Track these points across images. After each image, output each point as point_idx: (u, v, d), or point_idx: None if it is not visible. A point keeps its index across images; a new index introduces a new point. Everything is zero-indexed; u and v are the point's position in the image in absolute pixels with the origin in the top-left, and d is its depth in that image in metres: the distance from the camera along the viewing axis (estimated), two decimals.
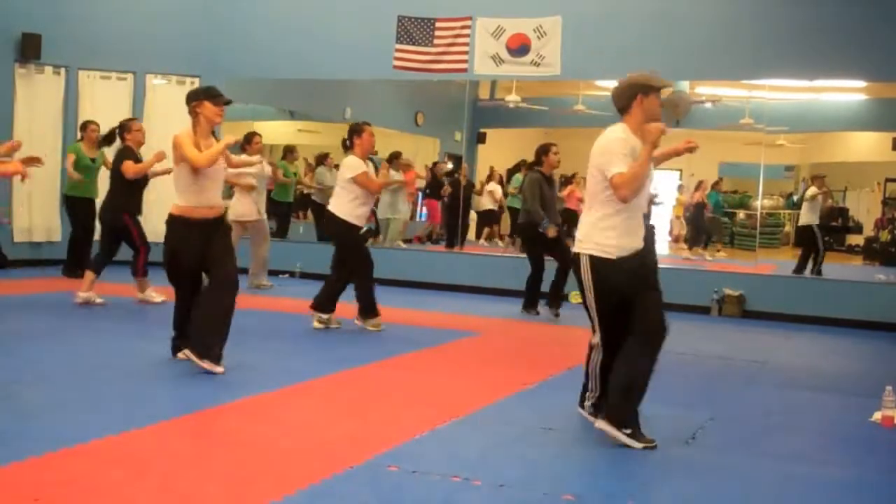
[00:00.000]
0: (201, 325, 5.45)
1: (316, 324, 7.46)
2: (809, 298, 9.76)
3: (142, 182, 8.30)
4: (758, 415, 5.32)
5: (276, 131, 13.90)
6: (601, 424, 4.34)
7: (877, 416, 5.06)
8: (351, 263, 7.47)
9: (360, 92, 12.20)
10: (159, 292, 8.14)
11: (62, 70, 11.42)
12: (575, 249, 4.49)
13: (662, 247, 12.85)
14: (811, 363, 7.31)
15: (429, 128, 14.06)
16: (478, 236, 14.45)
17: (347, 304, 7.63)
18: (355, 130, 7.48)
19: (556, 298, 8.95)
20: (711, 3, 10.15)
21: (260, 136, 9.74)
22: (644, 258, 4.49)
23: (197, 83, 11.78)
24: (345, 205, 7.37)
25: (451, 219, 13.09)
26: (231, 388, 5.10)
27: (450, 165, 14.01)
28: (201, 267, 5.63)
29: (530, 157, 9.12)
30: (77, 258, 9.78)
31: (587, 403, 4.67)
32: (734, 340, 8.22)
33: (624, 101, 4.44)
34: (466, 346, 7.23)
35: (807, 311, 9.60)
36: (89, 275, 8.11)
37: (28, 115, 11.05)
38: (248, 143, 9.51)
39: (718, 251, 13.66)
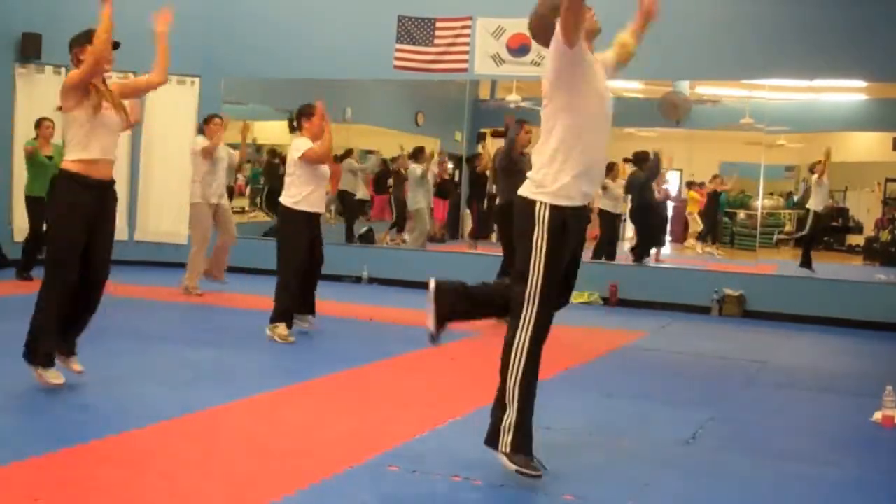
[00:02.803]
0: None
1: None
2: (810, 298, 9.75)
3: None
4: (758, 415, 5.32)
5: (275, 131, 13.89)
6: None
7: (877, 416, 5.07)
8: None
9: (360, 92, 12.20)
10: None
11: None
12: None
13: (665, 247, 12.84)
14: (811, 363, 7.31)
15: (429, 128, 14.04)
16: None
17: (342, 304, 7.65)
18: (304, 112, 6.99)
19: None
20: (711, 3, 10.15)
21: (219, 118, 9.17)
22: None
23: (197, 83, 11.80)
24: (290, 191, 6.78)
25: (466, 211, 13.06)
26: (231, 388, 5.10)
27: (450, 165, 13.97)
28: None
29: None
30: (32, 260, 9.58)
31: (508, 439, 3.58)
32: (734, 340, 8.21)
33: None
34: (466, 346, 7.22)
35: (807, 311, 9.60)
36: None
37: (28, 115, 11.01)
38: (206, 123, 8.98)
39: (717, 250, 13.66)
